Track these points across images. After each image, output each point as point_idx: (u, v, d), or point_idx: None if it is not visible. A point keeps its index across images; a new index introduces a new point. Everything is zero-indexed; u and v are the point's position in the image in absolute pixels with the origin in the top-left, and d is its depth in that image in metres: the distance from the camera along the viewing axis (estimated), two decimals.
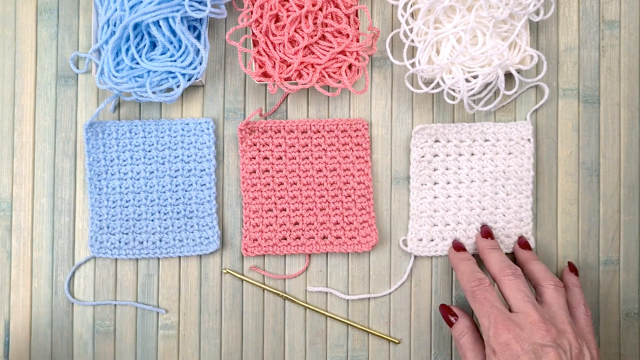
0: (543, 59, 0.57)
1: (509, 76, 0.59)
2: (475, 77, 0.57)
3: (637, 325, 0.61)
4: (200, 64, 0.57)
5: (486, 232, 0.57)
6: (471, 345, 0.51)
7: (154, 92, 0.56)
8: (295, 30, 0.57)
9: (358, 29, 0.59)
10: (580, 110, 0.61)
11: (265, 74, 0.58)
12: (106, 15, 0.55)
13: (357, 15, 0.59)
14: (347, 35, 0.57)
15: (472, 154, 0.60)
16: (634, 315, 0.61)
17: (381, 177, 0.60)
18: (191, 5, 0.55)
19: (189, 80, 0.57)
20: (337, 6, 0.57)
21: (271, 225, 0.60)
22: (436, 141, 0.60)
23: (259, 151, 0.60)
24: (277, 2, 0.56)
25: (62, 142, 0.60)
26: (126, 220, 0.59)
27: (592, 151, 0.61)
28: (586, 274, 0.61)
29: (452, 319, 0.54)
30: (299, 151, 0.60)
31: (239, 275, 0.60)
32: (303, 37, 0.56)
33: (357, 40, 0.58)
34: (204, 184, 0.60)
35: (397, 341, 0.60)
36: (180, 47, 0.57)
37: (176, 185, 0.60)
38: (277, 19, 0.58)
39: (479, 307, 0.50)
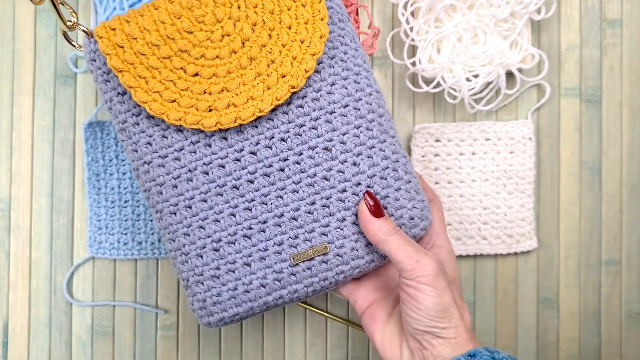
0: (544, 58, 0.57)
1: (510, 75, 0.59)
2: (476, 76, 0.57)
3: (639, 326, 0.61)
4: None
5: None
6: (408, 237, 0.46)
7: None
8: None
9: (358, 27, 0.58)
10: (582, 110, 0.61)
11: None
12: (105, 14, 0.55)
13: (357, 14, 0.58)
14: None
15: (473, 153, 0.59)
16: (635, 315, 0.60)
17: None
18: None
19: None
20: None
21: None
22: (437, 140, 0.59)
23: None
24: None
25: (61, 141, 0.60)
26: (125, 220, 0.59)
27: (594, 151, 0.61)
28: (588, 274, 0.61)
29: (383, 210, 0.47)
30: None
31: None
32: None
33: None
34: None
35: None
36: None
37: None
38: None
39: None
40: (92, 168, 0.59)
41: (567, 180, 0.61)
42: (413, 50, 0.60)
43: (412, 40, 0.57)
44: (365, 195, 0.46)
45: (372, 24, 0.59)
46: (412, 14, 0.58)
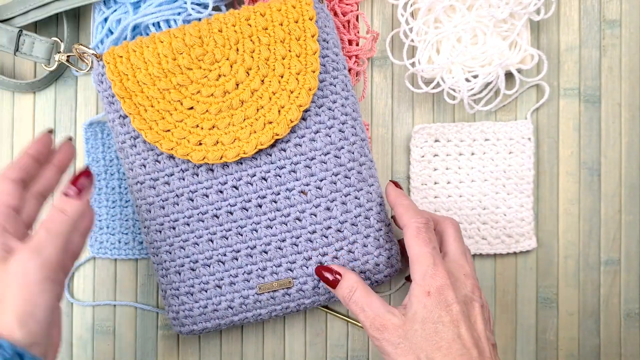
0: (544, 59, 0.57)
1: (509, 75, 0.59)
2: (475, 76, 0.57)
3: (638, 326, 0.61)
4: None
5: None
6: (367, 297, 0.47)
7: None
8: None
9: (358, 32, 0.58)
10: (581, 110, 0.61)
11: None
12: (104, 14, 0.55)
13: (357, 20, 0.59)
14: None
15: (473, 154, 0.60)
16: (634, 315, 0.61)
17: (381, 177, 0.60)
18: (193, 8, 0.55)
19: None
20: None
21: None
22: (436, 141, 0.60)
23: None
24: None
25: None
26: (126, 220, 0.59)
27: (593, 151, 0.61)
28: (587, 274, 0.61)
29: (337, 277, 0.49)
30: None
31: None
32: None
33: (357, 44, 0.58)
34: None
35: None
36: None
37: None
38: None
39: (420, 245, 0.47)
40: (93, 168, 0.59)
41: (566, 180, 0.61)
42: (412, 50, 0.60)
43: (412, 40, 0.58)
44: (315, 274, 0.50)
45: (371, 28, 0.59)
46: (412, 14, 0.58)
